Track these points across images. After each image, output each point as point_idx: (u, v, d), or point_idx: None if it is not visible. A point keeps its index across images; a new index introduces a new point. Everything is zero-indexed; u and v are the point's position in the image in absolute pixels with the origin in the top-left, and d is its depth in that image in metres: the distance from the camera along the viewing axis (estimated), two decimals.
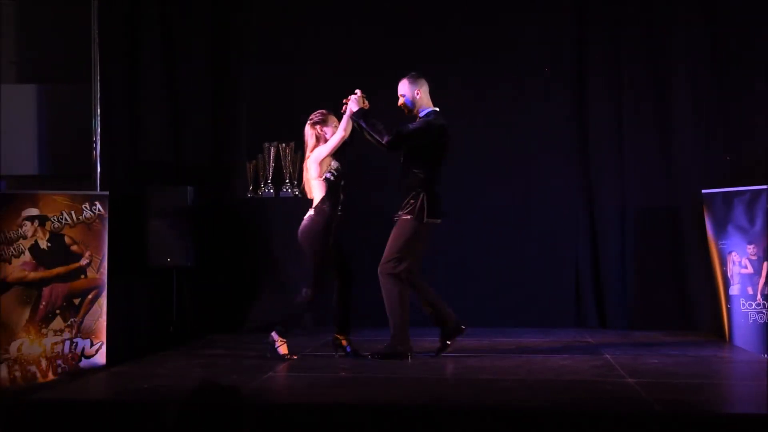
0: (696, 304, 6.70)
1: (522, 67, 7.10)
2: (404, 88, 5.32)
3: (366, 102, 5.21)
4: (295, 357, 5.23)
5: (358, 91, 5.23)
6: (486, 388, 4.41)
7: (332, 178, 5.25)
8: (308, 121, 5.34)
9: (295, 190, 6.80)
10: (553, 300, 6.98)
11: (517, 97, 7.10)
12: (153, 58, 7.12)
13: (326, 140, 5.25)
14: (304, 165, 5.43)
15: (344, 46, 7.07)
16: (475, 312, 6.86)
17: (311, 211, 5.25)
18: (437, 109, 5.36)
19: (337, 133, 5.20)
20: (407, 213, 5.18)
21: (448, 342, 5.37)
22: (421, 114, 5.30)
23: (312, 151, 5.30)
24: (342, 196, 5.30)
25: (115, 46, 7.06)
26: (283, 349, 5.20)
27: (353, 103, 5.18)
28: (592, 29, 7.03)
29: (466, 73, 7.07)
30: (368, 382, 4.65)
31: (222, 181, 7.07)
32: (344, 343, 5.38)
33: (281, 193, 6.92)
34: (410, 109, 5.33)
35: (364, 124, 5.17)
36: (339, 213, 5.28)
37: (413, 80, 5.31)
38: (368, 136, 5.25)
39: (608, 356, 5.36)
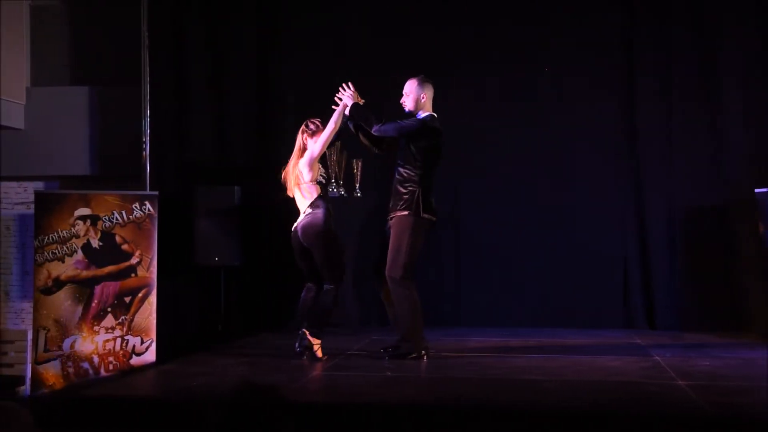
0: (748, 305, 6.56)
1: (569, 67, 7.01)
2: (412, 87, 5.30)
3: (360, 98, 5.23)
4: (326, 357, 5.22)
5: (350, 85, 5.26)
6: (532, 389, 4.37)
7: (323, 181, 5.39)
8: (303, 126, 5.38)
9: (341, 189, 6.83)
10: (601, 301, 6.90)
11: (564, 97, 7.01)
12: (199, 60, 7.22)
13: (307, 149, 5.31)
14: (290, 169, 5.38)
15: (384, 46, 7.06)
16: (522, 312, 6.85)
17: (309, 210, 5.27)
18: (435, 114, 5.33)
19: (328, 126, 5.24)
20: (403, 209, 5.13)
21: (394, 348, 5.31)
22: (419, 116, 5.29)
23: (300, 157, 5.33)
24: (342, 191, 5.42)
25: (164, 48, 7.18)
26: (319, 353, 5.23)
27: (348, 98, 5.22)
28: (640, 29, 6.92)
29: (509, 74, 7.02)
30: (412, 382, 4.64)
31: (268, 180, 7.11)
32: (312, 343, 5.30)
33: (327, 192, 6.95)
34: (411, 109, 5.31)
35: (356, 116, 5.19)
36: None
37: (422, 83, 5.30)
38: (362, 137, 5.30)
39: (657, 358, 5.27)
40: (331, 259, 5.25)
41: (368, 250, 6.91)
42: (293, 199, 6.39)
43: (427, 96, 5.31)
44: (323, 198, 5.34)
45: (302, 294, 5.45)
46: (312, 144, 5.32)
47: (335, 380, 4.82)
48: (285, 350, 5.67)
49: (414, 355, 5.13)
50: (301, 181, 5.33)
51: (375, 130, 5.19)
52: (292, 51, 7.20)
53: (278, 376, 4.65)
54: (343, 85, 5.28)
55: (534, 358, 5.34)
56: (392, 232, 5.18)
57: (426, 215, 5.14)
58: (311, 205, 5.29)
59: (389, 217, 5.25)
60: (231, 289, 6.96)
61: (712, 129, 6.76)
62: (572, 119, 7.00)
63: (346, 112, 5.25)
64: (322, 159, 5.61)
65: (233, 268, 6.80)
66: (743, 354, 5.50)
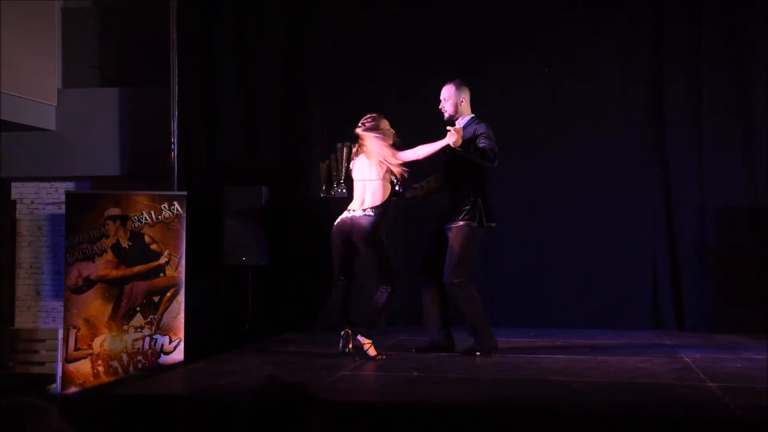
0: None
1: (598, 66, 6.96)
2: (450, 93, 5.34)
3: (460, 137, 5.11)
4: (384, 357, 5.21)
5: (458, 126, 5.16)
6: (561, 389, 4.34)
7: (396, 182, 5.30)
8: (361, 127, 5.28)
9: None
10: (630, 301, 6.84)
11: (593, 97, 6.97)
12: (228, 61, 7.27)
13: (384, 140, 5.24)
14: (353, 165, 5.37)
15: (414, 47, 7.06)
16: (550, 312, 6.81)
17: (370, 212, 5.20)
18: (474, 115, 5.38)
19: (422, 150, 5.15)
20: (464, 218, 5.19)
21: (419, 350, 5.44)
22: (464, 121, 5.32)
23: (380, 150, 5.20)
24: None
25: (192, 49, 7.24)
26: (371, 351, 5.21)
27: (455, 139, 5.03)
28: (670, 28, 6.85)
29: (539, 73, 6.98)
30: (440, 382, 4.64)
31: (295, 181, 7.16)
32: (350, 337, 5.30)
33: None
34: (451, 114, 5.34)
35: (466, 155, 5.14)
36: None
37: (459, 87, 5.34)
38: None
39: (687, 359, 5.21)
40: (388, 263, 5.22)
41: (395, 249, 6.90)
42: (324, 198, 6.41)
43: (466, 99, 5.35)
44: (388, 198, 5.26)
45: (333, 293, 5.44)
46: (384, 146, 5.19)
47: (362, 379, 4.83)
48: (311, 349, 5.69)
49: (481, 353, 5.21)
50: (372, 178, 5.24)
51: (492, 163, 5.16)
52: (319, 51, 7.22)
53: (305, 375, 4.66)
54: (449, 127, 5.12)
55: (562, 359, 5.31)
56: (452, 238, 5.22)
57: (488, 224, 5.22)
58: (376, 208, 5.20)
59: (448, 226, 5.26)
60: (258, 289, 6.99)
61: (744, 130, 6.68)
62: (602, 120, 6.95)
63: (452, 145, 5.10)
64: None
65: (260, 267, 6.83)
66: None
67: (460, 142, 5.06)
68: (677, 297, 6.80)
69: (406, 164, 5.19)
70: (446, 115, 5.38)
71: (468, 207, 5.18)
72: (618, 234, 6.87)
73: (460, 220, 5.20)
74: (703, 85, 6.74)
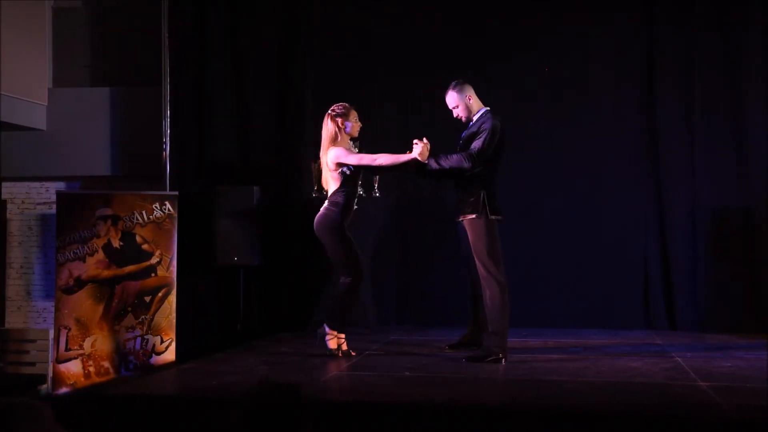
0: None
1: (589, 66, 6.98)
2: (454, 99, 5.29)
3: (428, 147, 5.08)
4: (353, 353, 5.20)
5: (425, 140, 5.09)
6: (554, 389, 4.34)
7: (348, 172, 5.24)
8: (329, 112, 5.30)
9: (360, 189, 6.82)
10: (621, 301, 6.85)
11: (585, 96, 6.98)
12: (220, 61, 7.25)
13: (343, 134, 5.23)
14: (321, 158, 5.36)
15: (408, 46, 7.06)
16: (542, 312, 6.81)
17: (326, 203, 5.25)
18: (488, 108, 5.32)
19: (384, 158, 5.16)
20: (471, 212, 5.15)
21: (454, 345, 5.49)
22: (477, 115, 5.28)
23: (330, 142, 5.24)
24: (359, 191, 5.35)
25: (184, 49, 7.22)
26: (331, 344, 5.21)
27: (422, 153, 5.05)
28: (662, 28, 6.87)
29: (532, 73, 6.99)
30: (432, 382, 4.63)
31: (288, 181, 7.15)
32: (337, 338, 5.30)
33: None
34: (467, 116, 5.31)
35: (436, 167, 5.12)
36: (355, 207, 5.29)
37: (460, 88, 5.28)
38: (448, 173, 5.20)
39: (679, 359, 5.23)
40: (347, 256, 5.19)
41: (387, 250, 6.93)
42: (316, 198, 6.40)
43: (471, 95, 5.29)
44: (345, 190, 5.22)
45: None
46: (339, 136, 5.22)
47: (354, 380, 4.82)
48: (304, 350, 5.68)
49: (492, 359, 5.07)
50: (327, 170, 5.28)
51: (469, 168, 5.09)
52: (312, 51, 7.21)
53: (298, 375, 4.66)
54: (416, 140, 5.10)
55: (554, 359, 5.32)
56: (471, 235, 5.17)
57: (493, 216, 5.15)
58: (329, 199, 5.25)
59: (458, 219, 5.24)
60: (250, 289, 6.98)
61: (736, 130, 6.70)
62: (594, 120, 6.96)
63: (425, 163, 5.09)
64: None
65: (252, 267, 6.82)
66: (765, 356, 5.43)
67: (425, 155, 5.04)
68: (669, 297, 6.82)
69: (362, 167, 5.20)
70: (463, 119, 5.33)
71: (473, 199, 5.13)
72: (610, 234, 6.88)
73: (469, 214, 5.16)
74: (695, 85, 6.76)
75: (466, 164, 5.09)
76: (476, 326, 5.48)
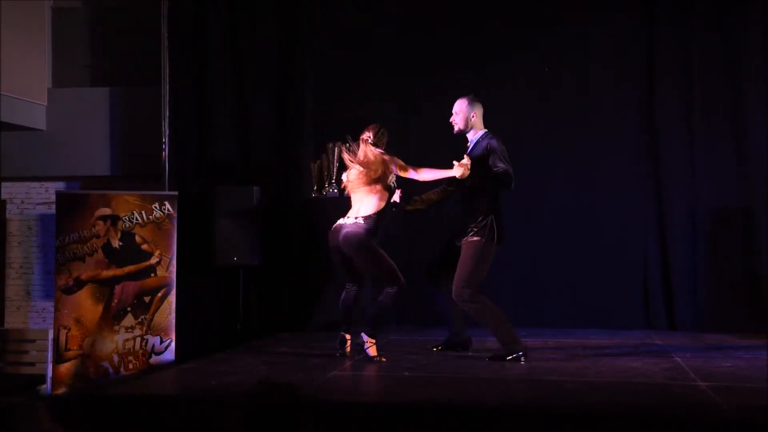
0: None
1: (589, 66, 6.98)
2: (461, 107, 5.28)
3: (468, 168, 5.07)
4: (384, 359, 5.17)
5: (467, 159, 5.07)
6: (554, 389, 4.35)
7: (393, 186, 5.28)
8: (368, 138, 5.24)
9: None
10: (621, 301, 6.86)
11: (585, 96, 6.98)
12: (220, 61, 7.25)
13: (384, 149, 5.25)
14: (349, 174, 5.35)
15: (408, 46, 7.06)
16: (541, 312, 6.81)
17: (361, 221, 5.18)
18: (487, 130, 5.31)
19: (430, 173, 5.17)
20: (476, 235, 5.11)
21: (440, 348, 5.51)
22: (477, 136, 5.27)
23: (384, 158, 5.18)
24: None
25: (184, 49, 7.21)
26: (372, 351, 5.19)
27: (460, 176, 5.04)
28: (662, 28, 6.87)
29: (531, 73, 7.00)
30: (432, 382, 4.63)
31: (288, 181, 7.15)
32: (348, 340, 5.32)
33: (345, 193, 6.94)
34: (461, 128, 5.29)
35: (473, 185, 5.12)
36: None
37: (471, 102, 5.28)
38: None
39: (678, 359, 5.23)
40: (386, 265, 5.18)
41: (388, 250, 6.90)
42: (316, 198, 6.38)
43: (477, 114, 5.28)
44: (383, 212, 5.23)
45: (342, 296, 5.41)
46: (394, 162, 5.19)
47: (354, 380, 4.82)
48: (304, 350, 5.68)
49: (512, 357, 5.10)
50: (368, 184, 5.21)
51: (508, 186, 5.10)
52: (312, 51, 7.21)
53: (298, 375, 4.66)
54: (456, 162, 5.05)
55: (554, 359, 5.32)
56: (462, 253, 5.14)
57: (498, 243, 5.14)
58: (367, 217, 5.18)
59: (461, 241, 5.19)
60: (250, 289, 6.98)
61: (735, 131, 6.70)
62: (594, 120, 6.97)
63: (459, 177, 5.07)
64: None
65: (252, 268, 6.81)
66: (765, 355, 5.43)
67: (467, 174, 5.04)
68: (668, 297, 6.82)
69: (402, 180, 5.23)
70: (456, 128, 5.31)
71: (480, 223, 5.11)
72: (610, 234, 6.89)
73: (473, 236, 5.12)
74: (695, 85, 6.76)
75: (504, 181, 5.07)
76: (454, 324, 5.48)
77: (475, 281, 5.13)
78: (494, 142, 5.18)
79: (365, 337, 5.19)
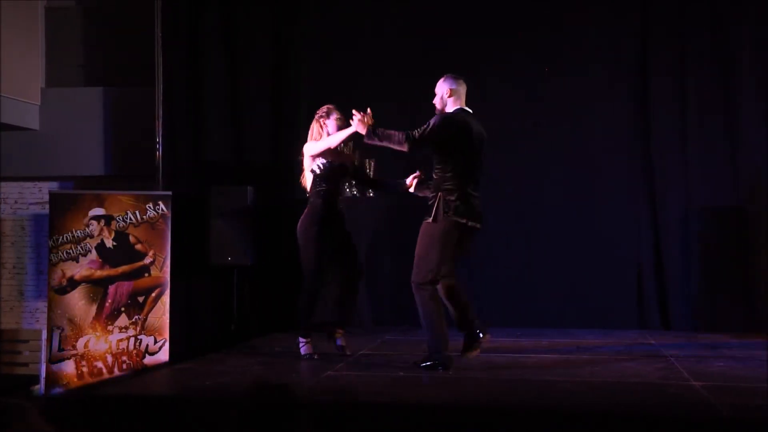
0: (763, 305, 6.51)
1: (583, 67, 6.99)
2: (438, 86, 5.09)
3: (371, 119, 4.98)
4: (317, 356, 5.17)
5: (368, 111, 4.97)
6: (547, 389, 4.35)
7: (318, 171, 5.23)
8: (315, 116, 5.35)
9: (354, 189, 6.82)
10: (615, 301, 6.86)
11: (579, 96, 6.98)
12: (214, 60, 7.24)
13: (326, 134, 5.25)
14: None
15: (407, 46, 7.05)
16: (535, 312, 6.82)
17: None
18: (467, 109, 5.08)
19: (328, 140, 5.18)
20: (427, 216, 4.89)
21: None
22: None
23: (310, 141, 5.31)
24: (342, 191, 5.38)
25: (178, 48, 7.21)
26: (305, 349, 5.21)
27: (359, 126, 4.94)
28: (656, 28, 6.88)
29: (525, 74, 6.99)
30: (425, 382, 4.63)
31: (281, 181, 7.13)
32: (337, 336, 5.31)
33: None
34: (438, 108, 5.09)
35: (378, 143, 4.97)
36: (339, 207, 5.28)
37: (446, 79, 5.06)
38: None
39: (672, 359, 5.24)
40: (305, 261, 5.19)
41: (381, 251, 6.92)
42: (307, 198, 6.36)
43: (453, 91, 5.01)
44: (319, 190, 5.21)
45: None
46: (314, 139, 5.27)
47: (348, 380, 4.81)
48: (298, 349, 5.67)
49: (428, 364, 4.84)
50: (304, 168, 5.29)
51: (407, 150, 4.90)
52: (307, 50, 7.20)
53: (292, 376, 4.65)
54: (354, 111, 4.99)
55: (547, 359, 5.33)
56: (419, 238, 4.94)
57: (455, 218, 4.80)
58: (308, 199, 5.28)
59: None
60: (244, 289, 6.97)
61: (728, 129, 6.72)
62: (587, 120, 6.97)
63: (364, 135, 4.98)
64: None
65: (246, 268, 6.81)
66: (758, 355, 5.45)
67: (363, 129, 4.90)
68: (662, 297, 6.83)
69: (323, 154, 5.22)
70: (436, 110, 5.13)
71: (429, 203, 4.91)
72: (603, 233, 6.89)
73: (426, 218, 4.91)
74: (688, 84, 6.78)
75: (404, 145, 4.88)
76: (460, 323, 5.09)
77: (426, 266, 4.80)
78: (440, 117, 4.96)
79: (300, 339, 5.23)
